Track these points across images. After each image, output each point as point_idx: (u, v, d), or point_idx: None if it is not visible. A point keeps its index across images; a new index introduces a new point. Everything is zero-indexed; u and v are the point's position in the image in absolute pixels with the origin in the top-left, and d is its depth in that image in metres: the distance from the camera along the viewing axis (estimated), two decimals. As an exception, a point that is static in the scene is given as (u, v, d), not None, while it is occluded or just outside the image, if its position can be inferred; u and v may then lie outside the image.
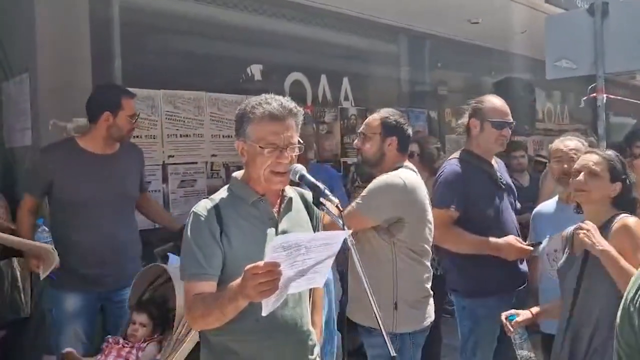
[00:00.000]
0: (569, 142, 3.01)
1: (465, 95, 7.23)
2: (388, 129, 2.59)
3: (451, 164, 2.97)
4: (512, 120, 2.98)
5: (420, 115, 6.27)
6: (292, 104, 1.81)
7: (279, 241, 1.44)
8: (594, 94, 4.29)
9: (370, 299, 1.57)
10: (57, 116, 3.48)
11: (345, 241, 1.55)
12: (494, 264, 2.79)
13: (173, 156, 4.19)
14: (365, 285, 1.57)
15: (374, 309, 1.57)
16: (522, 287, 2.97)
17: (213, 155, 4.46)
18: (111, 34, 3.95)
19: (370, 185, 2.56)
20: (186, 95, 4.28)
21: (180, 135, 4.24)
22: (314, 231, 1.96)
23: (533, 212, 3.11)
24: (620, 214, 2.25)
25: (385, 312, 2.31)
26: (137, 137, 3.97)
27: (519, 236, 2.94)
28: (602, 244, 2.14)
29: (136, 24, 4.11)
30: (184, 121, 4.25)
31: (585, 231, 2.19)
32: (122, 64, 4.00)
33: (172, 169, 4.19)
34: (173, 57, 4.35)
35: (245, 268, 1.49)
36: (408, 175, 2.55)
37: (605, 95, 4.27)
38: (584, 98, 4.57)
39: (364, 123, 2.76)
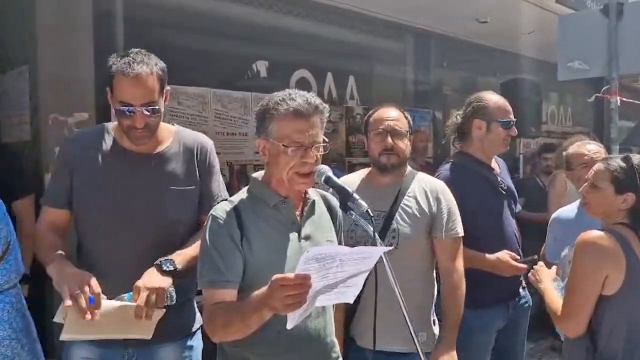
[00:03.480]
0: (590, 146, 2.89)
1: (470, 96, 7.17)
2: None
3: (445, 170, 2.72)
4: (514, 118, 2.77)
5: (426, 115, 6.18)
6: (317, 100, 1.70)
7: (313, 253, 1.33)
8: (608, 95, 4.20)
9: (407, 318, 1.46)
10: (57, 111, 3.37)
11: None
12: (489, 276, 2.60)
13: (176, 153, 4.05)
14: (401, 304, 1.46)
15: (411, 331, 1.47)
16: (517, 299, 2.80)
17: (217, 153, 4.31)
18: (114, 28, 3.82)
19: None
20: (190, 91, 4.16)
21: (184, 133, 4.11)
22: (337, 235, 1.86)
23: (551, 217, 2.99)
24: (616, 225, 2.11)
25: (427, 330, 2.24)
26: (140, 133, 3.87)
27: (518, 245, 2.77)
28: (544, 282, 2.29)
29: (140, 18, 3.99)
30: (188, 118, 4.13)
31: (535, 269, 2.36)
32: (124, 57, 3.88)
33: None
34: (177, 53, 4.21)
35: (273, 278, 1.38)
36: None
37: (619, 98, 4.18)
38: (594, 96, 4.46)
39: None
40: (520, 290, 2.80)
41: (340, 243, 1.88)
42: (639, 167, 2.12)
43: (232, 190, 3.98)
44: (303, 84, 5.13)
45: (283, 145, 1.63)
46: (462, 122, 2.77)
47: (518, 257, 2.65)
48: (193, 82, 4.19)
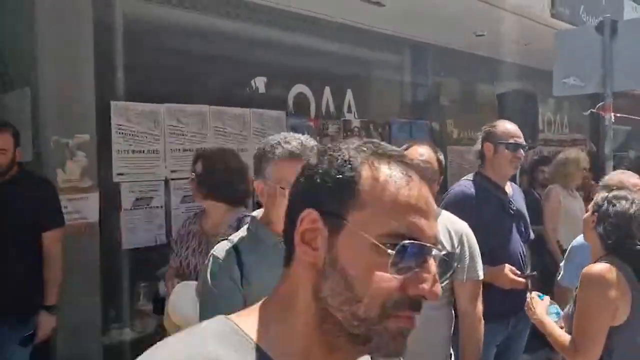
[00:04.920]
0: (632, 179, 2.85)
1: (467, 107, 7.24)
2: None
3: (462, 185, 2.94)
4: (525, 143, 2.98)
5: (423, 127, 6.23)
6: (312, 142, 1.75)
7: None
8: (602, 112, 4.25)
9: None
10: (59, 132, 3.41)
11: None
12: (490, 290, 2.67)
13: (176, 171, 4.10)
14: None
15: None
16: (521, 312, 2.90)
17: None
18: (114, 48, 3.86)
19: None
20: (189, 109, 4.20)
21: (184, 150, 4.16)
22: None
23: (572, 244, 3.00)
24: (603, 257, 2.17)
25: None
26: (141, 152, 3.91)
27: (523, 267, 2.87)
28: (538, 314, 2.37)
29: (139, 38, 4.03)
30: (187, 135, 4.18)
31: (529, 301, 2.45)
32: (124, 78, 3.92)
33: (174, 184, 4.11)
34: (176, 71, 4.27)
35: None
36: None
37: (612, 114, 4.23)
38: (590, 110, 4.54)
39: None
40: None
41: None
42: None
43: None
44: (301, 99, 5.18)
45: (280, 187, 1.67)
46: (480, 146, 2.98)
47: (518, 272, 2.76)
48: (192, 100, 4.24)
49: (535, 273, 2.83)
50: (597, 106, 4.27)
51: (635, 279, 2.10)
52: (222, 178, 2.63)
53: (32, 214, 2.92)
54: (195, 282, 2.36)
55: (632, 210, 2.14)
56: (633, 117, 5.28)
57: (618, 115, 4.47)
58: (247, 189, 2.69)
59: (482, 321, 2.32)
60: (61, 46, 3.41)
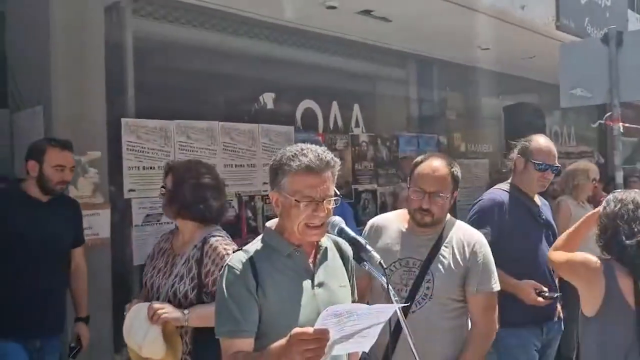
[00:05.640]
0: None
1: (474, 120, 7.27)
2: None
3: (494, 192, 2.97)
4: (557, 165, 2.95)
5: (431, 141, 6.25)
6: (329, 156, 1.74)
7: (332, 310, 1.38)
8: (610, 122, 4.26)
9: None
10: (71, 149, 3.43)
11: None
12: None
13: (186, 187, 4.12)
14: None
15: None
16: (552, 321, 2.92)
17: (225, 185, 4.38)
18: (124, 66, 3.91)
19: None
20: (199, 125, 4.23)
21: (193, 166, 4.18)
22: (350, 280, 1.90)
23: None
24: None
25: None
26: (151, 168, 3.94)
27: (550, 275, 2.88)
28: None
29: (149, 56, 4.09)
30: (197, 151, 4.20)
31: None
32: (135, 95, 3.97)
33: (184, 199, 4.12)
34: (185, 88, 4.32)
35: (292, 332, 1.43)
36: None
37: (622, 125, 4.24)
38: (597, 122, 4.54)
39: None
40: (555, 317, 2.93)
41: (352, 287, 1.92)
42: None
43: (240, 220, 4.02)
44: (309, 114, 5.22)
45: (295, 200, 1.68)
46: (514, 157, 2.99)
47: (544, 289, 2.76)
48: (201, 116, 4.27)
49: (559, 294, 2.81)
50: (605, 116, 4.27)
51: (616, 279, 2.13)
52: (193, 194, 2.37)
53: (70, 231, 3.07)
54: (146, 304, 2.28)
55: (616, 209, 2.20)
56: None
57: (626, 125, 4.48)
58: (222, 206, 2.48)
59: (493, 336, 2.28)
60: (73, 65, 3.45)
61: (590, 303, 2.19)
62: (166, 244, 2.52)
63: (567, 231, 2.55)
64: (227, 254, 2.19)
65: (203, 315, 2.18)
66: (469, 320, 2.29)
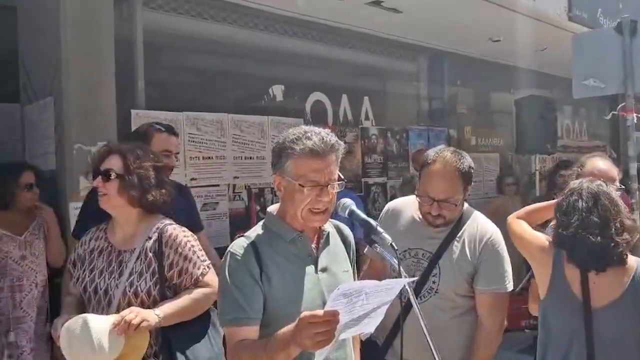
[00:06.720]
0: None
1: (485, 114, 7.21)
2: None
3: None
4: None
5: (441, 134, 6.21)
6: (333, 139, 1.68)
7: (342, 289, 1.35)
8: (624, 112, 4.20)
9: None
10: (81, 141, 3.46)
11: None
12: None
13: (195, 179, 4.14)
14: (429, 341, 1.50)
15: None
16: None
17: (235, 178, 4.41)
18: (134, 58, 3.93)
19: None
20: (208, 117, 4.24)
21: (203, 158, 4.21)
22: (352, 265, 1.89)
23: None
24: None
25: None
26: (160, 160, 3.95)
27: None
28: None
29: (159, 48, 4.10)
30: (206, 143, 4.22)
31: None
32: (145, 87, 3.98)
33: (194, 191, 4.14)
34: (195, 80, 4.33)
35: (301, 316, 1.40)
36: None
37: (635, 115, 4.17)
38: (611, 113, 4.46)
39: None
40: None
41: (354, 272, 1.90)
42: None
43: (250, 213, 4.03)
44: (318, 107, 5.21)
45: (299, 184, 1.64)
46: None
47: None
48: (211, 108, 4.28)
49: None
50: (619, 107, 4.21)
51: (562, 267, 2.11)
52: (150, 179, 2.11)
53: (187, 217, 2.72)
54: (96, 316, 1.96)
55: (560, 199, 2.20)
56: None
57: (639, 115, 4.42)
58: (169, 193, 2.19)
59: (499, 339, 2.18)
60: (83, 57, 3.48)
61: (541, 283, 2.17)
62: (99, 242, 2.16)
63: (536, 204, 2.54)
64: (189, 241, 2.11)
65: (174, 313, 2.02)
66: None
